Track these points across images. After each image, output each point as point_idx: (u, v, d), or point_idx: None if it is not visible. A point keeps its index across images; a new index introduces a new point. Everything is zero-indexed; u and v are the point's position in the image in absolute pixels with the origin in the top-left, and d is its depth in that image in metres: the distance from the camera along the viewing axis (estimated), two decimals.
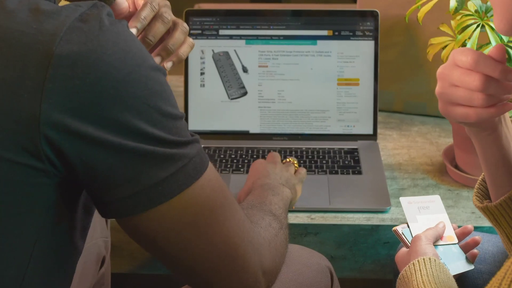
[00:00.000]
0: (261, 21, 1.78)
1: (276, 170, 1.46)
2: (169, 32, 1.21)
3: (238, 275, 1.05)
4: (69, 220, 1.02)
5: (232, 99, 1.80)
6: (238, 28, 1.78)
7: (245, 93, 1.79)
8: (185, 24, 1.22)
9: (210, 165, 1.03)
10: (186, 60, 1.78)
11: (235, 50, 1.78)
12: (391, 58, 1.88)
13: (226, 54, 1.79)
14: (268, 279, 1.10)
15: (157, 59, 1.19)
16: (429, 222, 1.26)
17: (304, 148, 1.75)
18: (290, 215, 1.52)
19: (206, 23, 1.79)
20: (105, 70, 0.91)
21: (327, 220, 1.52)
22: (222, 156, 1.72)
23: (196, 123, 1.79)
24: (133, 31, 1.14)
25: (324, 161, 1.69)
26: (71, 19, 0.91)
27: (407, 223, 1.27)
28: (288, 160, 1.54)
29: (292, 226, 1.51)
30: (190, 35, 1.30)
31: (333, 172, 1.66)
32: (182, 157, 0.97)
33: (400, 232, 1.26)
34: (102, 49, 0.91)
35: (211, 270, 1.04)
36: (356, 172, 1.66)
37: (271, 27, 1.78)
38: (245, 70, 1.79)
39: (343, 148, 1.74)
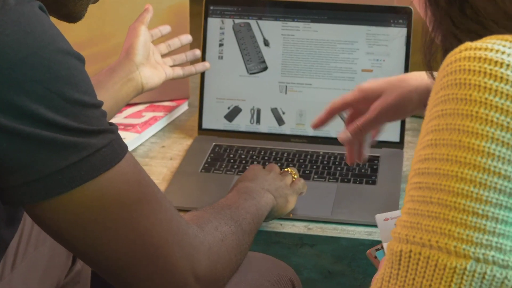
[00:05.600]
0: (286, 13, 1.66)
1: (267, 177, 1.36)
2: None
3: (162, 278, 0.97)
4: None
5: (251, 73, 1.68)
6: (260, 19, 1.67)
7: (265, 68, 1.68)
8: None
9: (128, 157, 0.95)
10: (205, 29, 1.69)
11: (257, 22, 1.67)
12: None
13: (247, 25, 1.67)
14: (205, 285, 1.01)
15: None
16: None
17: (321, 153, 1.61)
18: (286, 223, 1.41)
19: (226, 13, 1.68)
20: (0, 51, 0.85)
21: (325, 232, 1.39)
22: (231, 155, 1.61)
23: (211, 97, 1.70)
24: None
25: (338, 168, 1.56)
26: None
27: (381, 244, 1.12)
28: (286, 170, 1.43)
29: (287, 236, 1.40)
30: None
31: (345, 180, 1.52)
32: (87, 146, 0.90)
33: (374, 256, 1.11)
34: (0, 28, 0.86)
35: (127, 270, 0.97)
36: (370, 182, 1.51)
37: (295, 19, 1.66)
38: (266, 43, 1.67)
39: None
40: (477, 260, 0.71)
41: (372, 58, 1.63)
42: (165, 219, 0.97)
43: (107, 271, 0.98)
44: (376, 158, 1.59)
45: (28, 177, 0.89)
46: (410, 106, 1.15)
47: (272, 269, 1.20)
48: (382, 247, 1.11)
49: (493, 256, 0.71)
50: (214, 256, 1.03)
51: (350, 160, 1.27)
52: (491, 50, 0.73)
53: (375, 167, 1.56)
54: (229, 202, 1.21)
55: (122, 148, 0.94)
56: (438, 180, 0.73)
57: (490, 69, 0.72)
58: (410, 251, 0.73)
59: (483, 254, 0.71)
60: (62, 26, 1.69)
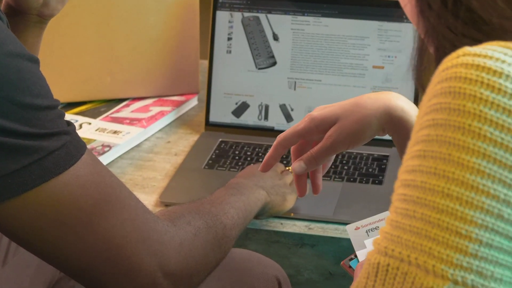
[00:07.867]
0: (296, 7, 1.62)
1: (264, 175, 1.33)
2: None
3: (127, 278, 0.96)
4: None
5: (259, 68, 1.64)
6: (269, 13, 1.63)
7: (274, 63, 1.64)
8: None
9: (85, 159, 0.93)
10: (213, 23, 1.66)
11: (266, 16, 1.63)
12: None
13: (257, 19, 1.64)
14: (176, 281, 1.00)
15: None
16: None
17: None
18: (287, 222, 1.38)
19: (235, 6, 1.64)
20: None
21: (326, 232, 1.35)
22: (237, 152, 1.57)
23: (219, 92, 1.66)
24: None
25: (345, 167, 1.51)
26: None
27: (354, 253, 1.08)
28: (287, 168, 1.40)
29: (287, 235, 1.36)
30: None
31: (351, 180, 1.47)
32: (39, 149, 0.88)
33: (348, 266, 1.07)
34: None
35: (90, 271, 0.95)
36: (377, 182, 1.47)
37: (305, 14, 1.61)
38: (275, 37, 1.63)
39: (372, 154, 1.55)
40: (455, 282, 0.66)
41: (384, 55, 1.59)
42: (129, 219, 0.95)
43: (70, 272, 0.97)
44: (385, 157, 1.54)
45: None
46: (369, 132, 1.08)
47: (256, 266, 1.18)
48: (356, 256, 1.07)
49: (472, 280, 0.66)
50: (186, 251, 1.01)
51: (302, 192, 1.17)
52: (491, 58, 0.68)
53: (383, 166, 1.51)
54: (213, 197, 1.18)
55: (78, 149, 0.92)
56: (423, 194, 0.68)
57: (488, 79, 0.67)
58: (388, 264, 0.69)
59: (462, 277, 0.66)
60: (68, 19, 1.68)
